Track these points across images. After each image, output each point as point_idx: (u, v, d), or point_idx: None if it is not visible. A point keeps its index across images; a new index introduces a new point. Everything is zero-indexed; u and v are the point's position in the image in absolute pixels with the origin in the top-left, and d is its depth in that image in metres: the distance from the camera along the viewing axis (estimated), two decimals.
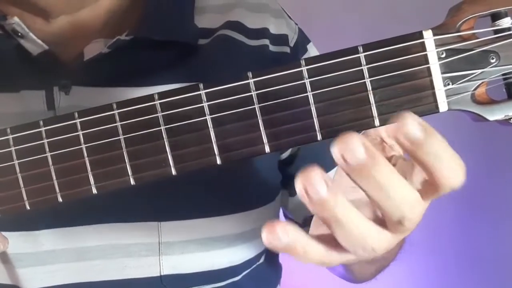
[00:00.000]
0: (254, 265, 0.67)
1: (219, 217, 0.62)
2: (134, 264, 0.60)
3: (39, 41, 0.60)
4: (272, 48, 0.69)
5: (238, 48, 0.67)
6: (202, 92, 0.44)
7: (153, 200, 0.60)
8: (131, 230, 0.60)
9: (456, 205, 1.36)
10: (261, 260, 0.69)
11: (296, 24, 0.74)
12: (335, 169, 0.64)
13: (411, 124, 0.34)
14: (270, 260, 0.72)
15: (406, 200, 0.36)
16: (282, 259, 0.79)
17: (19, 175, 0.47)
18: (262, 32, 0.69)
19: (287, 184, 0.70)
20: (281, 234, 0.36)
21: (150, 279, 0.60)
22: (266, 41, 0.69)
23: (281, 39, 0.70)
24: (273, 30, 0.70)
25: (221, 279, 0.63)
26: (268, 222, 0.36)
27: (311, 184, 0.34)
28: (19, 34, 0.61)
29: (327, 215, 0.36)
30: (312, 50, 0.74)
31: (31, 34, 0.60)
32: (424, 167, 0.36)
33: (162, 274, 0.60)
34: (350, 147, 0.33)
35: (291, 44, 0.71)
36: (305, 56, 0.72)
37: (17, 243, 0.59)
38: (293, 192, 0.71)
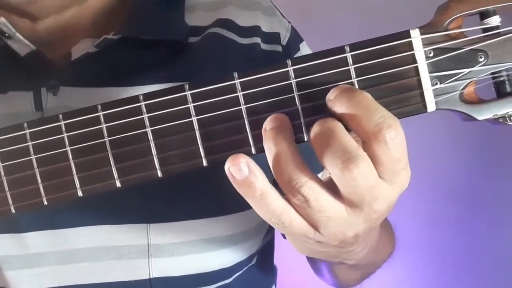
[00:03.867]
0: (246, 267, 0.66)
1: (209, 219, 0.61)
2: (123, 267, 0.59)
3: (26, 42, 0.60)
4: (263, 46, 0.68)
5: (229, 46, 0.66)
6: (188, 93, 0.44)
7: (142, 202, 0.59)
8: (120, 232, 0.59)
9: (455, 205, 1.36)
10: (253, 262, 0.68)
11: (289, 22, 0.73)
12: (323, 171, 0.64)
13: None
14: (263, 262, 0.71)
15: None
16: (281, 259, 0.79)
17: (3, 178, 0.46)
18: (254, 30, 0.68)
19: (277, 186, 0.69)
20: (242, 165, 0.40)
21: (139, 282, 0.60)
22: (258, 39, 0.68)
23: (273, 38, 0.69)
24: (264, 28, 0.69)
25: (212, 281, 0.63)
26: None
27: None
28: (6, 34, 0.60)
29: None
30: (305, 49, 0.73)
31: (18, 34, 0.60)
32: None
33: (151, 277, 0.60)
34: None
35: (283, 43, 0.70)
36: (297, 55, 0.71)
37: (4, 245, 0.59)
38: (283, 193, 0.70)
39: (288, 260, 0.85)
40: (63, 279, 0.59)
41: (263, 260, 0.71)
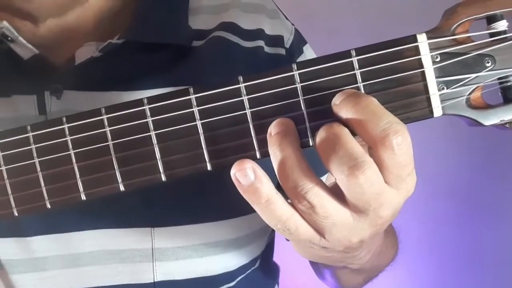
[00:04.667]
0: (249, 270, 0.66)
1: (213, 223, 0.61)
2: (128, 270, 0.59)
3: (29, 45, 0.59)
4: (267, 49, 0.68)
5: (233, 49, 0.66)
6: (192, 96, 0.43)
7: (147, 206, 0.59)
8: (125, 236, 0.59)
9: (456, 205, 1.36)
10: (257, 265, 0.68)
11: (293, 25, 0.73)
12: (327, 174, 0.64)
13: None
14: (266, 264, 0.71)
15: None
16: (281, 259, 0.78)
17: (6, 181, 0.46)
18: (257, 33, 0.68)
19: (281, 189, 0.69)
20: (248, 170, 0.40)
21: (144, 285, 0.59)
22: (261, 43, 0.68)
23: (276, 40, 0.69)
24: (268, 31, 0.69)
25: (216, 285, 0.62)
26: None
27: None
28: (9, 38, 0.59)
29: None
30: (308, 52, 0.73)
31: (20, 38, 0.59)
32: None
33: (155, 280, 0.59)
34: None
35: (287, 46, 0.70)
36: (301, 57, 0.71)
37: (10, 249, 0.58)
38: (287, 197, 0.70)
39: (291, 261, 0.85)
40: (69, 283, 0.59)
41: (265, 262, 0.71)
